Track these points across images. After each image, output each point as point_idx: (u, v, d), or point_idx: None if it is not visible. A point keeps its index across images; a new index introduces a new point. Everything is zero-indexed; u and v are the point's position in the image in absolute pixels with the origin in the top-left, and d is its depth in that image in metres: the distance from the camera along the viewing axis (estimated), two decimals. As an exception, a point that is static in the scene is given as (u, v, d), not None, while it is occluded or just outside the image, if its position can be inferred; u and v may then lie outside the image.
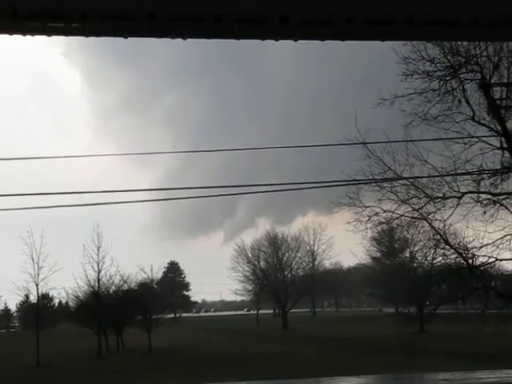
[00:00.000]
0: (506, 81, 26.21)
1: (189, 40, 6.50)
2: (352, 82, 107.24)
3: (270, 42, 6.69)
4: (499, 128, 26.53)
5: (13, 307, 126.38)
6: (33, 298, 71.21)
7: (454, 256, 30.19)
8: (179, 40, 6.48)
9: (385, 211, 29.61)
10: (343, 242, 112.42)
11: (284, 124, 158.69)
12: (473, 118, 26.82)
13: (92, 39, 6.28)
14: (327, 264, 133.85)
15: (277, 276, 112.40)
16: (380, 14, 6.03)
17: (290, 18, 6.06)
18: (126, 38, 5.99)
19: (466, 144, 26.46)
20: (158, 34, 6.17)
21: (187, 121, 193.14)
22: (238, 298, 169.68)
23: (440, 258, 35.05)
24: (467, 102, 26.76)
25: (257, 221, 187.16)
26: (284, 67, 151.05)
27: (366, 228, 30.83)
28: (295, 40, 6.37)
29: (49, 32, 6.17)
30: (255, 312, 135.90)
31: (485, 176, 26.98)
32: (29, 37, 6.38)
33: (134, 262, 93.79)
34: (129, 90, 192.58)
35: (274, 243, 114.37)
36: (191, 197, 21.78)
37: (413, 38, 13.10)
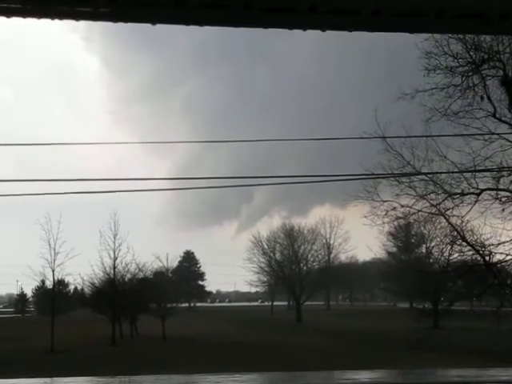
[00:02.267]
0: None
1: (209, 29, 6.49)
2: (372, 75, 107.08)
3: (291, 33, 6.65)
4: (520, 125, 26.40)
5: (29, 292, 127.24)
6: (49, 284, 71.72)
7: (471, 253, 30.10)
8: (199, 29, 6.46)
9: (402, 206, 29.58)
10: (359, 235, 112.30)
11: (302, 115, 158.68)
12: (494, 115, 26.67)
13: (114, 25, 6.26)
14: (343, 257, 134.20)
15: (292, 268, 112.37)
16: (409, 6, 6.00)
17: (318, 8, 6.04)
18: (153, 24, 5.97)
19: (486, 141, 26.36)
20: (186, 21, 6.14)
21: (205, 109, 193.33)
22: (253, 289, 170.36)
23: (456, 255, 35.01)
24: (489, 98, 26.62)
25: (272, 210, 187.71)
26: (303, 58, 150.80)
27: (383, 222, 30.88)
28: (323, 30, 6.33)
29: (77, 17, 6.15)
30: (269, 303, 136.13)
31: (504, 173, 26.85)
32: (48, 21, 6.33)
33: (150, 250, 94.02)
34: (148, 77, 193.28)
35: (290, 235, 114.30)
36: (207, 187, 21.84)
37: (442, 31, 12.97)
